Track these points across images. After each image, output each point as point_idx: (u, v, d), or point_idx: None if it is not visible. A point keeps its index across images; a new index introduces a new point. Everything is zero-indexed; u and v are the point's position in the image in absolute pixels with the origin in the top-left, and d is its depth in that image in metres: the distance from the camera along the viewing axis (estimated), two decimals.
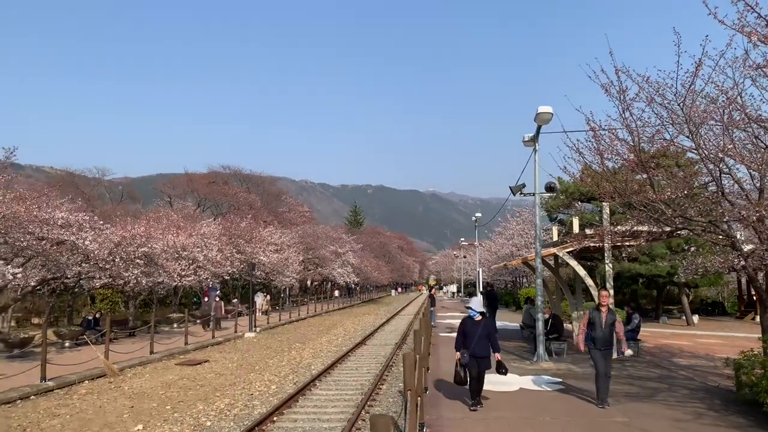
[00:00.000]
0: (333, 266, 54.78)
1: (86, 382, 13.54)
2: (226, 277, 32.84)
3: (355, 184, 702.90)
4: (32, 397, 11.81)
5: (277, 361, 17.23)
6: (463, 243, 69.11)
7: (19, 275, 15.08)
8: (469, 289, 68.75)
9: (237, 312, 29.39)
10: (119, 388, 12.93)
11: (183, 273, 25.97)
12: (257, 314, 30.32)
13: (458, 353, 9.29)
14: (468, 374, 9.23)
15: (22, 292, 19.95)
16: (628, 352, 9.55)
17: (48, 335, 15.50)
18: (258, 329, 26.25)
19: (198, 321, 26.86)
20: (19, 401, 11.39)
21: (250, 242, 36.37)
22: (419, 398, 7.84)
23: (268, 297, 37.34)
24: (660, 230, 11.84)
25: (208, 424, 9.72)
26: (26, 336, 18.18)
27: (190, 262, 27.02)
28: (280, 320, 32.13)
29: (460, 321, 9.55)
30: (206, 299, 26.03)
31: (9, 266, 14.67)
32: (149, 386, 13.21)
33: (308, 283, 56.46)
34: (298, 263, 42.64)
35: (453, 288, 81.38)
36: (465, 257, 69.54)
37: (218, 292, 35.30)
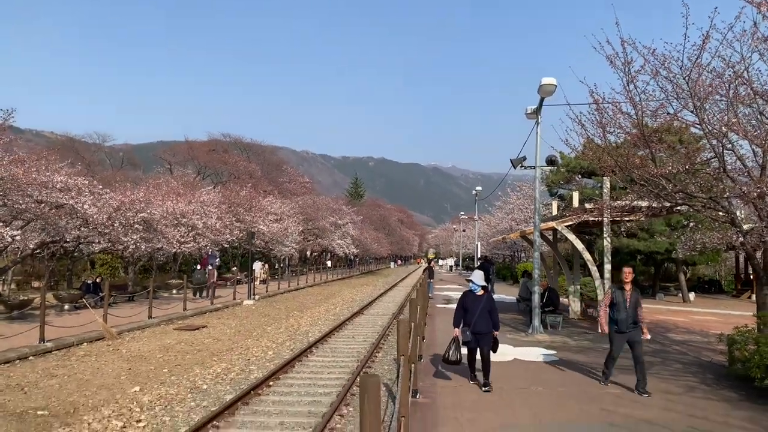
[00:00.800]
0: (332, 237, 54.90)
1: (84, 344, 13.67)
2: (226, 246, 32.91)
3: (357, 156, 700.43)
4: (31, 357, 11.93)
5: (274, 328, 17.37)
6: (462, 217, 69.20)
7: (18, 238, 15.11)
8: (467, 263, 69.01)
9: (236, 280, 29.50)
10: (117, 351, 13.05)
11: (182, 240, 26.03)
12: (256, 283, 30.43)
13: (456, 330, 8.68)
14: (467, 352, 8.79)
15: (21, 255, 20.04)
16: (648, 337, 8.69)
17: (47, 298, 15.60)
18: (257, 297, 26.41)
19: (190, 288, 27.01)
20: (17, 361, 11.50)
21: (249, 211, 36.35)
22: (413, 365, 7.91)
23: (267, 266, 37.46)
24: (660, 205, 11.80)
25: (204, 387, 9.82)
26: (26, 298, 18.28)
27: (190, 229, 27.06)
28: (278, 289, 32.32)
29: (458, 294, 9.33)
30: (199, 267, 26.09)
31: (8, 228, 14.67)
32: (147, 350, 13.33)
33: (308, 253, 56.64)
34: (297, 233, 42.69)
35: (451, 261, 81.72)
36: (464, 231, 69.65)
37: (217, 260, 35.43)
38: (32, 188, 15.96)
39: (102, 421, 7.64)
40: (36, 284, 24.65)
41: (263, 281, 34.13)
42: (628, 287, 8.63)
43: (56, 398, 8.94)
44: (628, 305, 8.50)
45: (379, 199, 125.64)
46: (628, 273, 8.70)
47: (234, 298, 25.17)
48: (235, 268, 36.88)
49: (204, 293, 25.27)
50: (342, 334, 16.10)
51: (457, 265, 75.47)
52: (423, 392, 8.20)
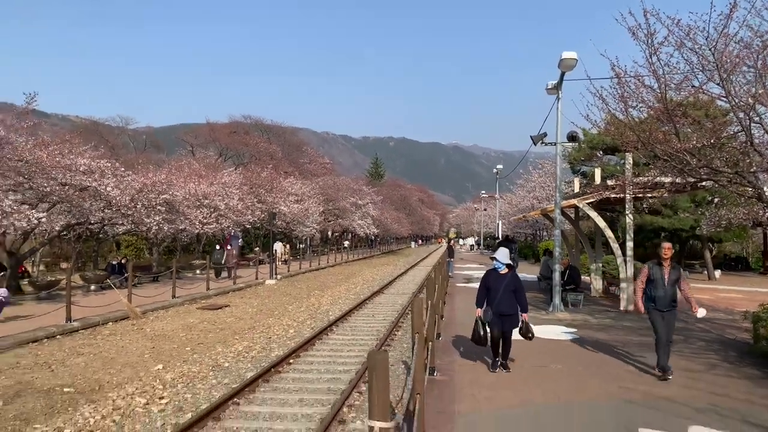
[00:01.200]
0: (353, 218, 55.06)
1: (110, 323, 13.97)
2: (248, 226, 33.23)
3: (377, 136, 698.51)
4: (58, 336, 12.23)
5: (295, 307, 17.54)
6: (483, 196, 68.76)
7: (44, 220, 15.41)
8: (488, 242, 68.71)
9: (258, 260, 29.81)
10: (141, 330, 13.32)
11: (205, 221, 26.35)
12: (277, 263, 30.71)
13: (479, 309, 8.32)
14: (490, 334, 8.30)
15: (48, 237, 20.47)
16: (701, 312, 8.08)
17: (74, 279, 15.95)
18: (279, 277, 26.67)
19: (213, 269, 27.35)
20: (45, 340, 11.81)
21: (270, 192, 36.59)
22: (430, 343, 7.92)
23: (288, 246, 37.77)
24: (684, 181, 11.53)
25: (226, 365, 9.97)
26: (53, 279, 18.72)
27: (212, 210, 27.37)
28: (300, 269, 32.60)
29: (479, 274, 8.89)
30: (218, 248, 26.39)
31: (34, 211, 14.97)
32: (170, 329, 13.58)
33: (329, 233, 56.96)
34: (318, 214, 42.90)
35: (471, 241, 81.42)
36: (485, 210, 69.24)
37: (240, 241, 35.82)
38: (56, 171, 16.24)
39: (126, 398, 7.82)
40: (64, 265, 25.20)
41: (285, 261, 34.45)
42: (666, 263, 8.06)
43: (82, 376, 9.16)
44: (667, 282, 7.97)
45: (399, 179, 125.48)
46: (667, 249, 8.08)
47: (256, 278, 25.46)
48: (257, 248, 37.26)
49: (224, 273, 25.54)
50: (362, 313, 16.20)
51: (478, 244, 75.22)
52: (441, 370, 8.21)
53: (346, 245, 57.49)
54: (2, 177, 15.31)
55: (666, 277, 8.00)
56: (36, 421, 6.97)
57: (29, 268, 23.36)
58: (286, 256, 35.56)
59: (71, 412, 7.30)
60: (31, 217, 14.58)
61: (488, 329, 8.33)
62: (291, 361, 10.08)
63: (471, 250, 74.07)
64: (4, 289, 14.36)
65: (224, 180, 31.13)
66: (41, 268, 26.31)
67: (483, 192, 71.42)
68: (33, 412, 7.36)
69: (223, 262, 25.69)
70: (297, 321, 14.77)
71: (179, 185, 25.52)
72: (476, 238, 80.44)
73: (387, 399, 2.99)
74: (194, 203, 26.29)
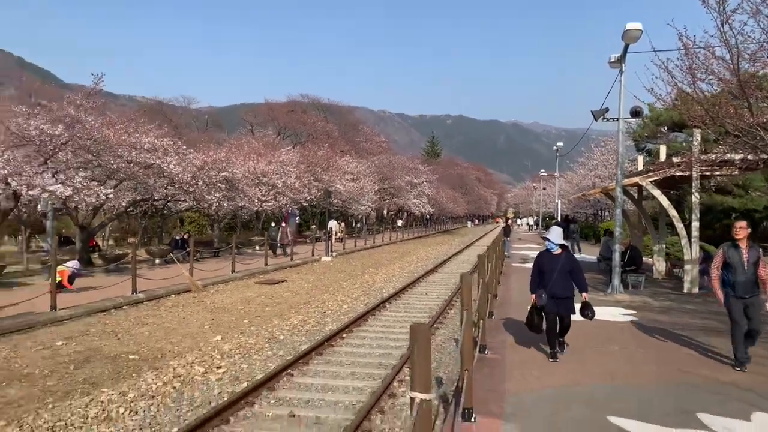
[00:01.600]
0: (408, 196, 55.01)
1: (172, 296, 14.57)
2: (305, 204, 33.79)
3: (434, 114, 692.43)
4: (124, 307, 12.87)
5: (350, 284, 17.77)
6: (542, 174, 67.22)
7: (111, 196, 16.15)
8: (547, 222, 67.30)
9: (314, 237, 30.32)
10: (202, 303, 13.83)
11: (263, 198, 26.97)
12: (333, 240, 31.15)
13: (533, 295, 7.78)
14: (546, 320, 7.75)
15: (116, 213, 21.44)
16: None
17: (140, 253, 16.69)
18: (334, 254, 27.05)
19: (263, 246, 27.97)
20: (113, 310, 12.46)
21: (327, 170, 37.00)
22: (481, 321, 7.85)
23: (343, 224, 38.20)
24: (757, 158, 10.90)
25: (281, 337, 10.24)
26: (121, 252, 19.65)
27: (270, 188, 27.96)
28: (355, 246, 32.95)
29: (536, 254, 8.09)
30: (273, 225, 26.98)
31: (102, 187, 15.68)
32: (229, 302, 14.03)
33: (384, 212, 57.20)
34: (373, 192, 43.11)
35: (530, 220, 79.89)
36: (544, 189, 67.68)
37: (297, 218, 36.50)
38: (123, 149, 16.92)
39: (186, 367, 8.15)
40: (131, 240, 26.43)
41: (340, 239, 34.88)
42: (743, 244, 7.20)
43: (146, 344, 9.62)
44: (746, 265, 7.11)
45: (456, 158, 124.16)
46: (740, 228, 7.23)
47: (312, 255, 25.91)
48: (314, 226, 37.90)
49: (279, 250, 26.09)
50: (415, 291, 16.25)
51: (536, 224, 73.81)
52: (492, 348, 8.14)
53: (399, 224, 57.50)
54: (73, 155, 16.10)
55: (745, 259, 7.15)
56: (103, 386, 7.38)
57: (99, 242, 24.61)
58: (341, 234, 35.99)
59: (135, 378, 7.68)
60: (99, 193, 15.28)
61: (545, 315, 7.78)
62: (344, 335, 10.25)
63: (529, 230, 72.75)
64: (76, 261, 15.24)
65: (282, 158, 31.69)
66: (110, 242, 27.70)
67: (542, 170, 69.84)
68: (101, 377, 7.80)
69: (278, 239, 26.28)
70: (351, 297, 14.96)
71: (239, 163, 26.16)
72: (535, 217, 78.94)
73: (429, 371, 2.99)
74: (253, 181, 26.92)
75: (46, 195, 14.07)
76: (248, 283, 17.45)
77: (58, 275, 12.37)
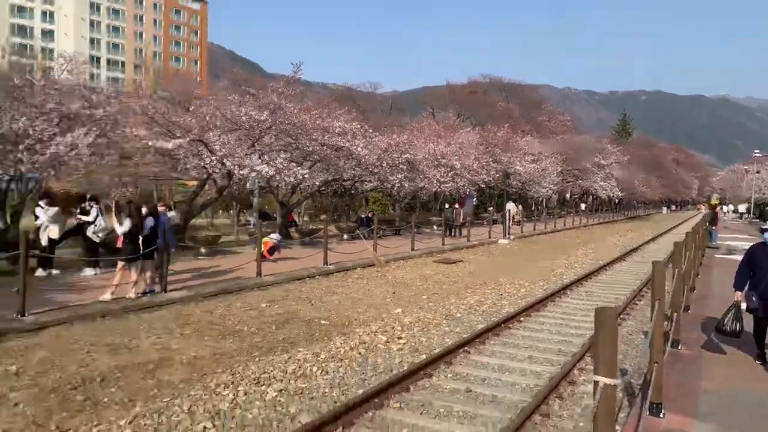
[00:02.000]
0: (594, 179, 51.83)
1: (358, 269, 15.60)
2: (482, 186, 33.67)
3: (626, 90, 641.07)
4: (317, 276, 14.11)
5: (528, 268, 17.41)
6: (757, 155, 58.97)
7: (307, 176, 17.70)
8: (760, 209, 58.99)
9: (492, 219, 30.13)
10: (384, 277, 14.61)
11: (442, 179, 27.45)
12: (510, 223, 30.68)
13: (738, 293, 6.77)
14: (754, 323, 6.81)
15: (310, 191, 23.42)
16: None
17: (330, 229, 18.08)
18: (511, 237, 26.65)
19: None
20: (307, 279, 13.75)
21: (506, 151, 36.40)
22: (675, 314, 7.26)
23: (521, 207, 37.34)
24: None
25: (458, 315, 10.45)
26: (314, 227, 21.48)
27: (449, 169, 28.33)
28: (534, 230, 32.09)
29: (744, 246, 7.07)
30: (447, 206, 27.31)
31: (299, 168, 17.24)
32: (409, 277, 14.63)
33: (567, 195, 54.65)
34: (555, 174, 41.44)
35: (742, 208, 70.59)
36: (758, 173, 59.32)
37: (474, 200, 36.53)
38: (317, 133, 18.39)
39: (370, 335, 8.73)
40: (322, 217, 28.72)
41: (518, 222, 34.19)
42: None
43: (335, 312, 10.47)
44: None
45: (650, 137, 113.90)
46: None
47: (489, 237, 25.81)
48: (491, 208, 37.62)
49: (453, 231, 26.36)
50: (599, 279, 15.44)
51: (748, 212, 65.11)
52: (687, 344, 7.49)
53: (582, 208, 54.37)
54: (276, 138, 17.88)
55: None
56: (299, 345, 8.22)
57: (296, 218, 27.10)
58: (519, 216, 35.23)
59: (326, 341, 8.42)
60: (297, 173, 16.84)
61: (754, 318, 6.80)
62: (522, 318, 10.14)
63: (739, 219, 64.44)
64: (277, 234, 16.99)
65: (461, 140, 31.87)
66: (305, 218, 30.33)
67: (757, 151, 61.22)
68: (297, 337, 8.69)
69: (452, 220, 26.59)
70: (528, 281, 14.67)
71: (419, 146, 26.91)
72: (747, 204, 69.63)
73: (614, 355, 2.88)
74: (433, 163, 27.51)
75: (254, 174, 15.90)
76: (426, 261, 17.99)
77: (263, 245, 13.95)
